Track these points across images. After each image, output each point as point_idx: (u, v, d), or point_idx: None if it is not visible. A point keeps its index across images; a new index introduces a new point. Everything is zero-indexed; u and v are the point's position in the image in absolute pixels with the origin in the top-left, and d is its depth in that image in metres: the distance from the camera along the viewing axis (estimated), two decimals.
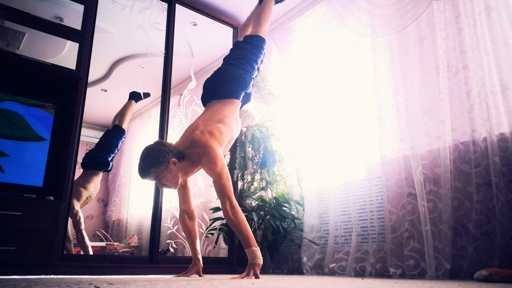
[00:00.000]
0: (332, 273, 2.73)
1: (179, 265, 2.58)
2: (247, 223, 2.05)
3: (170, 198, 2.95)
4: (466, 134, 2.26)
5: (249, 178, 3.32)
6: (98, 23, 2.76)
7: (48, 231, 2.21)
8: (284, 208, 3.18)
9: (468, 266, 2.06)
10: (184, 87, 3.29)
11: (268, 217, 3.08)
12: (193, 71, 3.34)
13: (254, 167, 3.31)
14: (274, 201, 3.20)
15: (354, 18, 2.91)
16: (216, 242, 3.18)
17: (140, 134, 3.27)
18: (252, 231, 2.47)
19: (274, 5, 2.81)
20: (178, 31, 3.19)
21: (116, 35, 3.08)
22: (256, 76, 2.62)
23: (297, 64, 3.42)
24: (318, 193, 3.06)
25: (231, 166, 3.20)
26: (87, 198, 2.83)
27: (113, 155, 3.03)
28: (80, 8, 2.65)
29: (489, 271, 1.72)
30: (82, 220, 2.72)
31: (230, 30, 3.58)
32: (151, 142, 2.15)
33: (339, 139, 3.00)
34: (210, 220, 3.17)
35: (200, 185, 3.21)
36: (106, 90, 3.05)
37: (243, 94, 2.48)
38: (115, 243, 3.03)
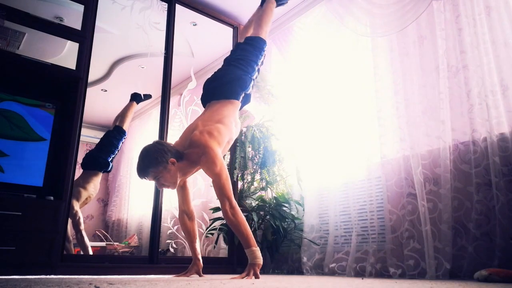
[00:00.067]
0: (332, 273, 2.73)
1: (179, 265, 2.58)
2: (246, 223, 2.05)
3: (170, 198, 2.95)
4: (466, 134, 2.26)
5: (249, 178, 3.31)
6: (98, 23, 2.76)
7: (48, 231, 2.21)
8: (284, 208, 3.18)
9: (468, 266, 2.06)
10: (184, 87, 3.29)
11: (268, 217, 3.08)
12: (193, 71, 3.34)
13: (254, 167, 3.31)
14: (274, 201, 3.20)
15: (354, 18, 2.91)
16: (216, 242, 3.18)
17: (140, 134, 3.27)
18: (252, 231, 2.47)
19: (275, 8, 2.82)
20: (178, 31, 3.19)
21: (116, 35, 3.08)
22: (256, 78, 2.62)
23: (297, 64, 3.42)
24: (318, 193, 3.06)
25: (231, 166, 3.20)
26: (86, 199, 2.83)
27: (113, 156, 3.03)
28: (80, 8, 2.65)
29: (489, 271, 1.72)
30: (81, 220, 2.72)
31: (230, 30, 3.58)
32: (150, 142, 2.15)
33: (339, 139, 3.00)
34: (210, 220, 3.17)
35: (200, 185, 3.21)
36: (106, 90, 3.05)
37: (243, 95, 2.48)
38: (115, 243, 3.03)
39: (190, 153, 2.13)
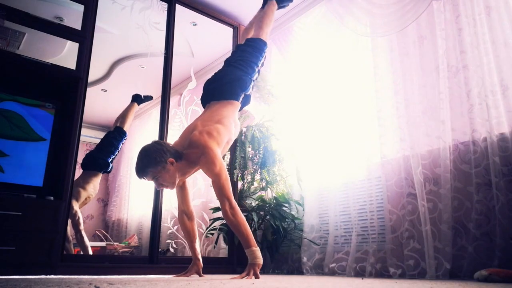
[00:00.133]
0: (332, 273, 2.73)
1: (179, 265, 2.58)
2: (246, 223, 2.05)
3: (170, 198, 2.95)
4: (466, 134, 2.26)
5: (249, 178, 3.31)
6: (98, 23, 2.76)
7: (48, 231, 2.21)
8: (284, 208, 3.18)
9: (468, 266, 2.06)
10: (184, 87, 3.29)
11: (268, 217, 3.08)
12: (193, 71, 3.34)
13: (254, 167, 3.31)
14: (274, 201, 3.20)
15: (354, 18, 2.91)
16: (216, 242, 3.18)
17: (140, 134, 3.27)
18: (252, 231, 2.47)
19: (277, 10, 2.82)
20: (178, 31, 3.19)
21: (116, 35, 3.08)
22: (256, 79, 2.63)
23: (297, 64, 3.42)
24: (318, 193, 3.06)
25: (231, 166, 3.20)
26: (86, 199, 2.83)
27: (113, 157, 3.03)
28: (80, 8, 2.66)
29: (489, 271, 1.72)
30: (81, 220, 2.72)
31: (230, 30, 3.58)
32: (149, 142, 2.15)
33: (339, 139, 3.00)
34: (210, 220, 3.17)
35: (200, 185, 3.21)
36: (106, 90, 3.05)
37: (243, 95, 2.48)
38: (115, 243, 3.03)
39: (190, 153, 2.13)
